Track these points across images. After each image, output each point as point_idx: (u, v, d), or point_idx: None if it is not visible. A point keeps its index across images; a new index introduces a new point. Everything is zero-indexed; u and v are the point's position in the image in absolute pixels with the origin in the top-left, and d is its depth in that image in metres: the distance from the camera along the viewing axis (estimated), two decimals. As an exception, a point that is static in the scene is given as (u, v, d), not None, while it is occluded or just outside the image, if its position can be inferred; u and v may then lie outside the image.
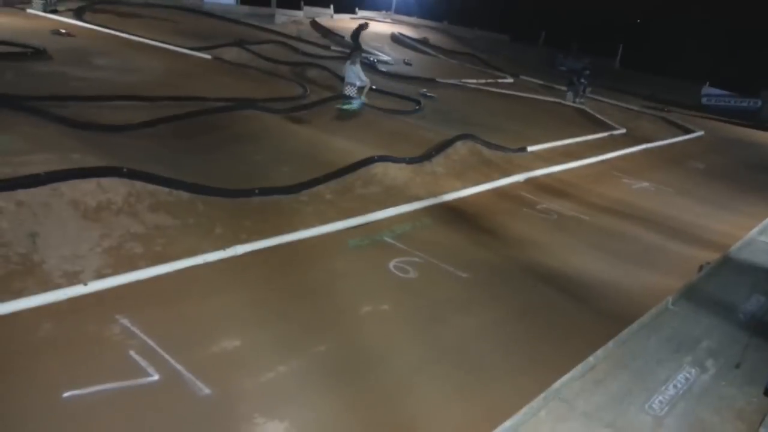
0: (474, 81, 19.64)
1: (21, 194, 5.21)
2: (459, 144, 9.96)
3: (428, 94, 15.50)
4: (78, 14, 17.06)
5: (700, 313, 5.13)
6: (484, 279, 6.02)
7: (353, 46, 20.36)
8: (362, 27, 20.57)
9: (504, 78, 21.79)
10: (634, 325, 4.73)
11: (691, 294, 5.52)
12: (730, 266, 6.42)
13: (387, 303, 5.22)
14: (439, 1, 36.89)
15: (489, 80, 20.67)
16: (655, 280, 6.53)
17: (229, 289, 5.04)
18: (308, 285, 5.37)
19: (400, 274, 5.83)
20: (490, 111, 15.22)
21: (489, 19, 34.46)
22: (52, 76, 10.67)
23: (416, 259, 6.18)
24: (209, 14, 22.30)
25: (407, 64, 20.01)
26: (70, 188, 5.50)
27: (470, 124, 12.19)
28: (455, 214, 7.81)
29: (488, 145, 10.51)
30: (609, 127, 15.39)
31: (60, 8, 17.54)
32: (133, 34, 15.31)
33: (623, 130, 15.26)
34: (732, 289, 5.74)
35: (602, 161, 11.95)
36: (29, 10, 17.02)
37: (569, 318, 5.53)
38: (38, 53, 11.75)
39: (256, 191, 6.88)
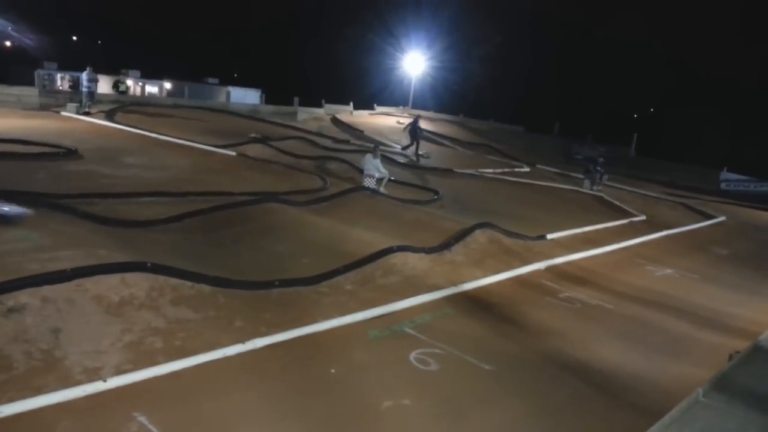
0: (491, 170, 20.01)
1: (46, 290, 5.31)
2: (478, 232, 10.02)
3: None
4: (110, 116, 18.01)
5: (733, 405, 4.88)
6: (508, 371, 5.86)
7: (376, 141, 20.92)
8: (415, 122, 21.25)
9: (521, 167, 22.17)
10: (665, 419, 4.51)
11: (723, 385, 5.28)
12: (761, 354, 6.17)
13: (408, 397, 5.08)
14: (454, 96, 38.44)
15: (506, 169, 21.05)
16: (684, 370, 6.31)
17: (248, 383, 4.97)
18: (328, 378, 5.27)
19: (421, 367, 5.71)
20: (507, 199, 15.40)
21: (503, 112, 35.70)
22: (83, 174, 11.15)
23: (437, 351, 6.07)
24: (235, 113, 23.40)
25: (425, 157, 20.52)
26: (94, 284, 5.60)
27: (489, 212, 12.31)
28: (476, 303, 7.73)
29: (507, 233, 10.55)
30: (628, 214, 15.41)
31: (93, 110, 18.59)
32: (162, 134, 16.05)
33: (643, 217, 15.26)
34: (765, 379, 5.49)
35: (624, 248, 11.87)
36: (63, 113, 18.06)
37: (597, 412, 5.31)
38: (70, 153, 12.34)
39: (277, 283, 6.92)
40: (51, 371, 4.60)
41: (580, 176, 19.79)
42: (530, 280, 8.98)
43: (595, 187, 18.74)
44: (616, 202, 16.91)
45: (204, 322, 5.79)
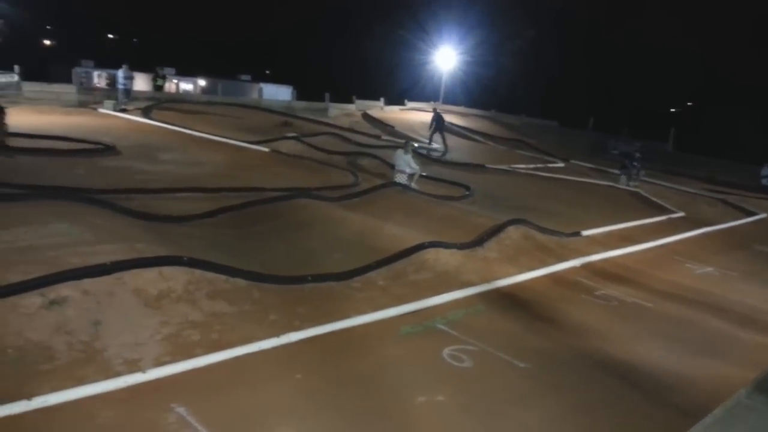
0: (524, 166, 19.80)
1: (87, 283, 5.43)
2: (511, 229, 9.90)
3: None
4: (146, 113, 18.37)
5: (779, 407, 4.73)
6: (544, 369, 5.77)
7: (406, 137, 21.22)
8: (438, 118, 21.83)
9: (554, 162, 21.88)
10: (707, 420, 4.39)
11: (766, 385, 5.12)
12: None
13: (442, 394, 5.05)
14: (485, 90, 38.13)
15: (539, 165, 20.79)
16: (726, 370, 6.13)
17: (283, 377, 5.00)
18: (361, 373, 5.28)
19: (455, 363, 5.67)
20: (541, 195, 15.20)
21: (536, 106, 35.24)
22: (120, 170, 11.40)
23: (471, 348, 6.02)
24: (268, 110, 23.62)
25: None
26: (133, 277, 5.71)
27: (522, 208, 12.17)
28: (510, 300, 7.65)
29: (541, 229, 10.41)
30: (666, 211, 15.07)
31: (129, 107, 19.00)
32: (196, 130, 16.30)
33: (682, 214, 14.90)
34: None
35: (662, 245, 11.61)
36: (101, 110, 18.50)
37: (635, 412, 5.19)
38: (108, 149, 12.63)
39: (309, 278, 6.96)
40: (91, 362, 4.70)
41: (616, 172, 19.43)
42: (565, 277, 8.84)
43: (631, 183, 18.38)
44: (654, 199, 16.54)
45: (239, 316, 5.85)
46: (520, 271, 8.62)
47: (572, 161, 22.71)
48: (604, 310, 7.76)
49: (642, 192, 17.41)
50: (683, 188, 19.44)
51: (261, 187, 10.89)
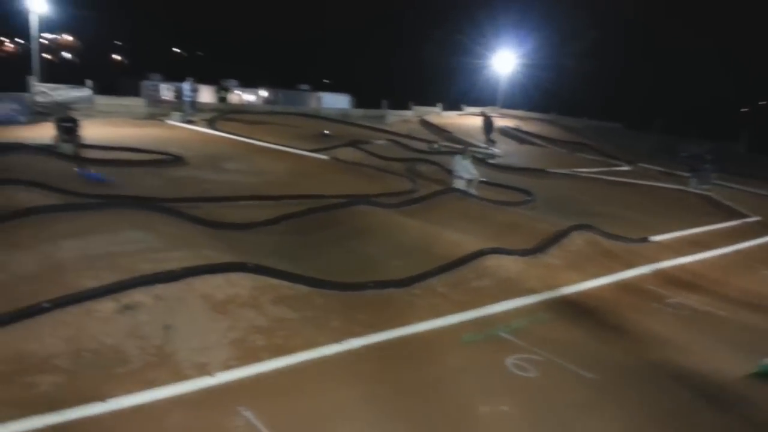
0: (587, 170, 19.28)
1: (158, 289, 5.64)
2: (575, 234, 9.64)
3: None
4: (210, 124, 19.02)
5: None
6: (612, 380, 5.57)
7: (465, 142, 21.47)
8: (488, 121, 23.05)
9: (619, 165, 21.20)
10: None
11: None
12: None
13: (506, 404, 4.95)
14: (546, 93, 37.39)
15: (603, 168, 20.20)
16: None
17: (345, 383, 5.03)
18: (422, 381, 5.24)
19: (519, 373, 5.56)
20: (606, 200, 14.75)
21: (599, 109, 34.26)
22: (188, 179, 11.82)
23: (535, 357, 5.88)
24: (327, 118, 23.99)
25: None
26: (201, 283, 5.89)
27: (585, 213, 11.83)
28: (575, 308, 7.43)
29: (607, 235, 10.09)
30: (741, 215, 14.31)
31: (195, 118, 19.72)
32: (259, 140, 16.74)
33: (758, 218, 14.11)
34: None
35: (736, 251, 11.03)
36: (168, 121, 19.29)
37: (709, 425, 4.94)
38: (176, 160, 13.13)
39: (370, 284, 6.99)
40: (162, 366, 4.87)
41: (686, 174, 18.62)
42: (633, 285, 8.52)
43: (702, 186, 17.55)
44: (727, 202, 15.74)
45: (302, 322, 5.94)
46: (586, 279, 8.37)
47: (639, 164, 21.92)
48: (675, 319, 7.43)
49: (714, 195, 16.60)
50: (759, 191, 18.42)
51: (321, 194, 11.05)
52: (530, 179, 16.47)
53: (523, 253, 8.70)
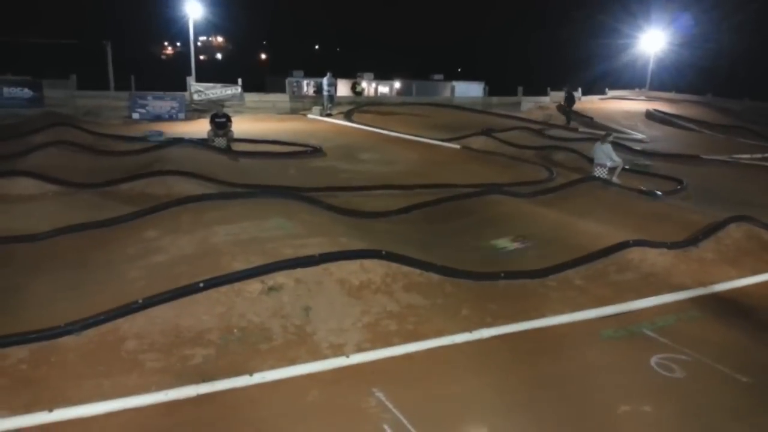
0: (748, 156, 17.40)
1: (299, 272, 5.99)
2: (732, 226, 8.74)
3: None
4: (347, 116, 19.73)
5: None
6: (772, 386, 5.02)
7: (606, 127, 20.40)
8: (570, 97, 23.26)
9: (787, 151, 18.88)
10: None
11: None
12: None
13: (649, 404, 4.64)
14: (699, 73, 34.20)
15: (767, 155, 18.10)
16: None
17: (475, 372, 5.01)
18: (557, 375, 5.07)
19: (664, 373, 5.18)
20: (770, 189, 13.21)
21: (762, 88, 30.63)
22: (326, 170, 12.39)
23: (683, 357, 5.44)
24: (459, 107, 23.85)
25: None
26: (338, 268, 6.16)
27: (745, 204, 10.70)
28: (730, 306, 6.76)
29: (770, 227, 9.03)
30: None
31: (333, 112, 20.60)
32: (392, 130, 17.07)
33: None
34: None
35: None
36: (309, 115, 20.34)
37: None
38: (316, 151, 13.83)
39: (502, 275, 6.87)
40: (303, 344, 5.17)
41: None
42: (803, 284, 7.57)
43: None
44: None
45: (432, 309, 5.99)
46: (743, 275, 7.57)
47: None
48: None
49: None
50: None
51: (452, 183, 11.03)
52: (681, 166, 15.20)
53: (672, 246, 8.05)
